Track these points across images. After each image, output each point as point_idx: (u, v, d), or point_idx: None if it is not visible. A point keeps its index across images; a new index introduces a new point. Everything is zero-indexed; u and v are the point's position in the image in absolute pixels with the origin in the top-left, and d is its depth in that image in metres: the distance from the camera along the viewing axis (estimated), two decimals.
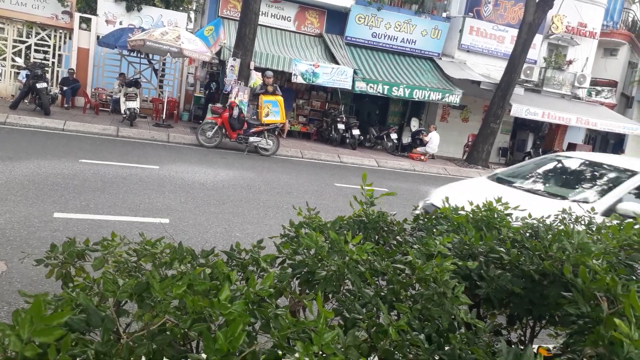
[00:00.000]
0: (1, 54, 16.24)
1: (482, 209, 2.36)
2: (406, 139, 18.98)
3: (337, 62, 16.84)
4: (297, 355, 1.06)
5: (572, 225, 2.51)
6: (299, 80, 15.93)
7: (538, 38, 19.10)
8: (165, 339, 1.10)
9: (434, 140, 17.62)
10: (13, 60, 16.24)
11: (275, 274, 1.49)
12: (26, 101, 13.73)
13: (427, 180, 13.71)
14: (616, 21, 23.04)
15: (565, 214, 2.78)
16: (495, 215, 2.32)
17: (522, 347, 2.18)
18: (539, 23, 17.22)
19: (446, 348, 1.39)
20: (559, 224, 2.65)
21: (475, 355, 1.26)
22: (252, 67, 14.43)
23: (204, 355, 1.08)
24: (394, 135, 18.08)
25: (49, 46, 16.59)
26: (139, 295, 1.18)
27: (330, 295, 1.58)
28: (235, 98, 13.37)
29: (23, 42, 16.33)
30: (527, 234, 2.28)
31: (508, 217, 2.36)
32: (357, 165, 14.49)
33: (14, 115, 12.19)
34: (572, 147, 21.31)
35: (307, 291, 1.61)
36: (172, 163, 10.09)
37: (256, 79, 14.17)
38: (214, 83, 17.13)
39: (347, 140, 16.94)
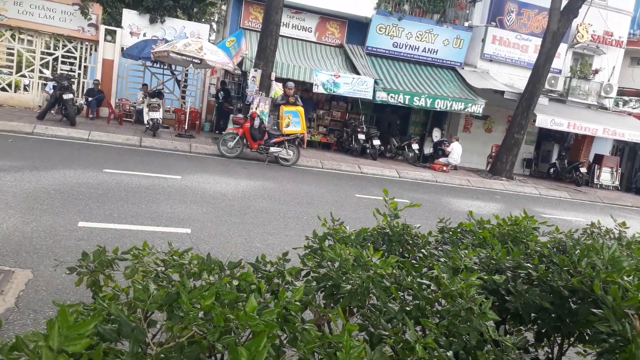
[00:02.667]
0: (29, 65, 16.70)
1: (508, 223, 2.32)
2: (428, 150, 18.84)
3: (357, 72, 16.87)
4: None
5: (600, 240, 2.46)
6: (320, 90, 15.98)
7: (563, 47, 18.86)
8: (194, 352, 1.11)
9: (456, 151, 17.46)
10: (41, 72, 16.68)
11: (302, 287, 1.48)
12: (53, 112, 14.06)
13: (449, 192, 13.57)
14: None
15: (594, 227, 2.72)
16: (522, 229, 2.28)
17: None
18: (564, 32, 17.00)
19: None
20: (586, 238, 2.60)
21: None
22: (273, 77, 14.55)
23: None
24: (415, 146, 17.96)
25: (75, 58, 17.00)
26: (168, 306, 1.19)
27: (355, 310, 1.57)
28: (256, 108, 13.48)
29: (50, 54, 16.76)
30: (554, 249, 2.24)
31: (534, 232, 2.32)
32: (377, 176, 14.43)
33: (41, 125, 12.48)
34: (598, 158, 20.89)
35: (332, 305, 1.60)
36: (194, 173, 10.20)
37: (277, 89, 14.28)
38: (221, 92, 17.05)
39: (368, 151, 16.89)
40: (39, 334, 0.96)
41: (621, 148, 23.04)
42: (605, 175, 20.56)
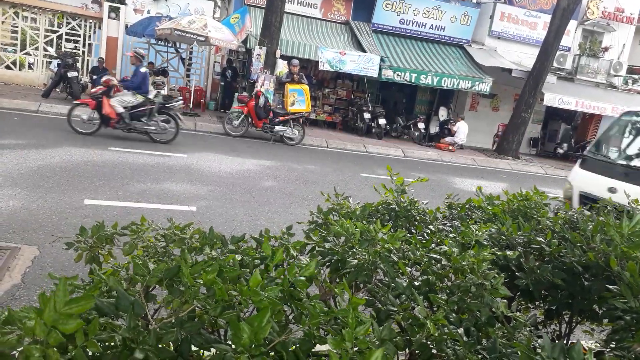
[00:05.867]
0: (33, 43, 16.58)
1: (519, 198, 2.27)
2: (434, 129, 18.67)
3: (363, 50, 16.63)
4: (330, 348, 1.01)
5: (620, 217, 2.40)
6: (326, 67, 15.78)
7: (572, 24, 18.48)
8: (194, 327, 1.07)
9: (461, 130, 17.30)
10: (45, 49, 16.56)
11: (304, 261, 1.44)
12: (58, 90, 14.00)
13: (455, 171, 13.48)
14: None
15: (605, 203, 2.66)
16: (532, 205, 2.22)
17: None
18: (574, 8, 16.64)
19: (483, 342, 1.32)
20: (598, 215, 2.54)
21: (517, 350, 1.19)
22: (278, 55, 14.37)
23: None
24: (421, 125, 17.78)
25: (79, 35, 16.85)
26: (169, 281, 1.15)
27: (361, 286, 1.53)
28: (261, 87, 13.34)
29: (54, 32, 16.62)
30: (566, 225, 2.18)
31: (545, 207, 2.27)
32: (383, 155, 14.34)
33: (46, 103, 12.44)
34: None
35: (338, 280, 1.56)
36: (199, 152, 10.15)
37: (282, 67, 14.11)
38: (229, 71, 16.93)
39: (373, 130, 16.75)
40: (32, 308, 0.92)
41: None
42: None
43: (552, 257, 1.78)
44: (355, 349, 1.05)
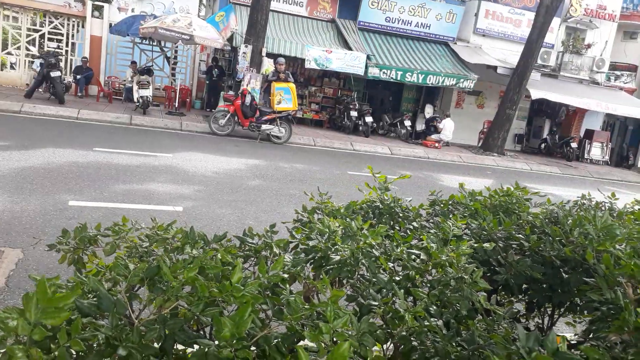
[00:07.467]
0: (15, 43, 16.34)
1: (500, 194, 2.30)
2: (420, 126, 18.77)
3: (350, 48, 16.65)
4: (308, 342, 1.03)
5: (592, 211, 2.45)
6: (312, 65, 15.79)
7: (556, 21, 18.68)
8: (177, 324, 1.08)
9: (447, 127, 17.41)
10: (27, 49, 16.33)
11: (288, 259, 1.46)
12: (40, 90, 13.82)
13: (441, 168, 13.58)
14: (636, 3, 22.42)
15: (585, 199, 2.71)
16: (514, 200, 2.26)
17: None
18: (557, 5, 16.82)
19: (464, 334, 1.35)
20: (578, 209, 2.59)
21: (494, 341, 1.22)
22: (264, 53, 14.34)
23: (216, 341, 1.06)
24: (407, 123, 17.87)
25: (62, 35, 16.64)
26: (150, 280, 1.16)
27: (344, 281, 1.55)
28: (247, 85, 13.30)
29: (37, 31, 16.39)
30: (546, 220, 2.23)
31: (526, 203, 2.30)
32: (370, 153, 14.39)
33: (29, 104, 12.28)
34: (589, 133, 20.94)
35: (321, 277, 1.58)
36: (185, 151, 10.11)
37: (268, 65, 14.09)
38: (215, 69, 16.86)
39: (360, 128, 16.79)
40: (15, 309, 0.92)
41: (612, 123, 23.12)
42: (596, 150, 20.66)
43: (532, 251, 1.82)
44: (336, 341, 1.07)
